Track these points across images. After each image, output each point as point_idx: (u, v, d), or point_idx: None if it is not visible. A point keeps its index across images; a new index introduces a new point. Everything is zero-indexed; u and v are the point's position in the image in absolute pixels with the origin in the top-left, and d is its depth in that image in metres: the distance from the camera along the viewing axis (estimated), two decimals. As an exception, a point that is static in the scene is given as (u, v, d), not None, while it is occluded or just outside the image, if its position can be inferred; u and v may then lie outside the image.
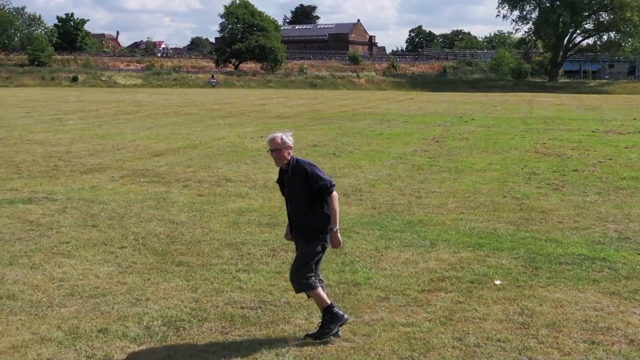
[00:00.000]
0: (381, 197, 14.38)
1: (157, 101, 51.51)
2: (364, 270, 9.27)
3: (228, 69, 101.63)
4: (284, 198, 7.26)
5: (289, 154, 6.91)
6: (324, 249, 7.00)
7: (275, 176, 7.41)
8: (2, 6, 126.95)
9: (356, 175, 17.13)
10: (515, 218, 12.45)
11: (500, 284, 8.73)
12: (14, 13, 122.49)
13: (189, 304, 7.93)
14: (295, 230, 7.08)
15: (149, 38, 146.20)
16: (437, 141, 25.12)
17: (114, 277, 8.97)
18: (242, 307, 7.82)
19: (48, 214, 12.57)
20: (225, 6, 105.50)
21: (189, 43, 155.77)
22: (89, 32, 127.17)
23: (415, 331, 7.16)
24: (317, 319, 7.40)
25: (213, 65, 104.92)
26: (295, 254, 7.19)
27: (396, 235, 11.19)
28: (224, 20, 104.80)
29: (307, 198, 6.89)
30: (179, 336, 7.02)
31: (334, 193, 6.92)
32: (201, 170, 17.72)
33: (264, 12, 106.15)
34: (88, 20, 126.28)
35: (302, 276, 6.88)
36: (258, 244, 10.57)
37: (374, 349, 6.72)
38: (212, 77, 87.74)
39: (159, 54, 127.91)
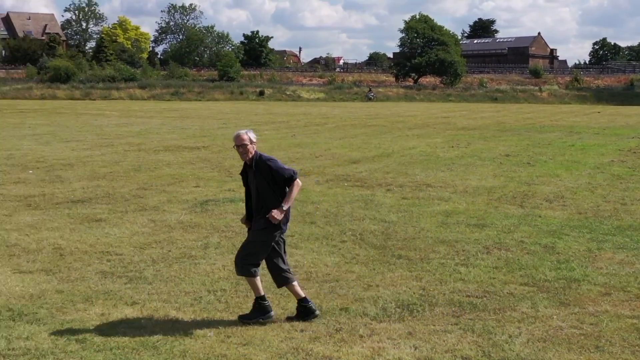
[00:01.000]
0: (585, 204, 14.44)
1: (342, 114, 52.90)
2: (580, 268, 9.52)
3: (407, 83, 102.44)
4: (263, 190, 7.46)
5: (253, 148, 7.39)
6: (279, 237, 7.47)
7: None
8: (193, 25, 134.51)
9: (555, 184, 17.18)
10: None
11: None
12: (204, 31, 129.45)
13: (417, 291, 8.51)
14: (255, 220, 7.48)
15: (328, 54, 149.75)
16: (634, 152, 24.59)
17: (342, 266, 9.70)
18: (468, 296, 8.31)
19: (267, 211, 13.55)
20: (405, 21, 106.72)
21: (367, 58, 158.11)
22: (273, 49, 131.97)
23: (643, 323, 7.39)
24: (542, 309, 7.79)
25: (393, 79, 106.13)
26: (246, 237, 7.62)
27: (607, 238, 11.32)
28: (403, 34, 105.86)
29: (272, 191, 7.39)
30: (414, 317, 7.61)
31: (297, 180, 7.40)
32: (400, 177, 18.34)
33: (443, 27, 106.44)
34: (272, 37, 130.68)
35: (248, 262, 7.38)
36: (470, 242, 11.03)
37: (603, 337, 7.02)
38: (370, 90, 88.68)
39: (338, 69, 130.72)
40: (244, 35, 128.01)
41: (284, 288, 7.76)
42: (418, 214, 13.36)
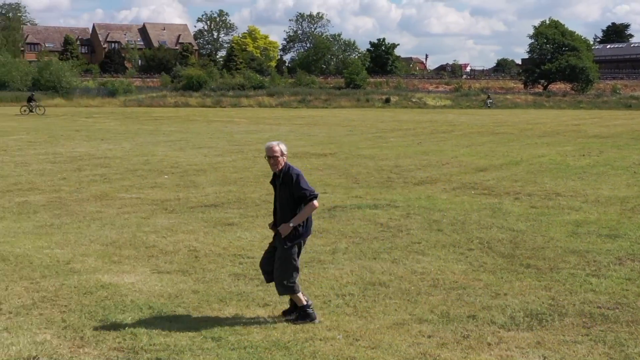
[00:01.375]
0: None
1: (469, 121, 52.38)
2: None
3: (536, 90, 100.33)
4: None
5: (283, 160, 7.72)
6: (299, 249, 7.81)
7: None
8: (320, 33, 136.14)
9: (693, 194, 16.57)
10: None
11: None
12: (331, 39, 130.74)
13: (546, 300, 8.44)
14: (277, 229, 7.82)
15: (454, 61, 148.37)
16: None
17: (469, 274, 9.71)
18: (599, 307, 8.17)
19: (394, 218, 13.69)
20: (534, 26, 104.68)
21: (494, 65, 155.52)
22: (399, 56, 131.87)
23: None
24: (678, 322, 7.59)
25: (521, 86, 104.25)
26: (273, 249, 7.89)
27: None
28: (532, 40, 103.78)
29: (291, 202, 7.68)
30: (543, 326, 7.55)
31: (314, 202, 7.66)
32: (528, 185, 18.08)
33: (574, 32, 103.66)
34: (398, 44, 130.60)
35: (287, 280, 7.69)
36: (602, 253, 10.80)
37: None
38: (488, 97, 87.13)
39: (465, 76, 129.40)
40: (370, 42, 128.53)
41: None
42: (547, 223, 13.17)
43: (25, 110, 58.04)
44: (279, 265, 7.75)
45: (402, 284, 9.16)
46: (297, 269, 7.79)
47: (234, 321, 7.70)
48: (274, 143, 7.75)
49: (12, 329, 7.39)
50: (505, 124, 48.18)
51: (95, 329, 7.44)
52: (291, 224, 7.65)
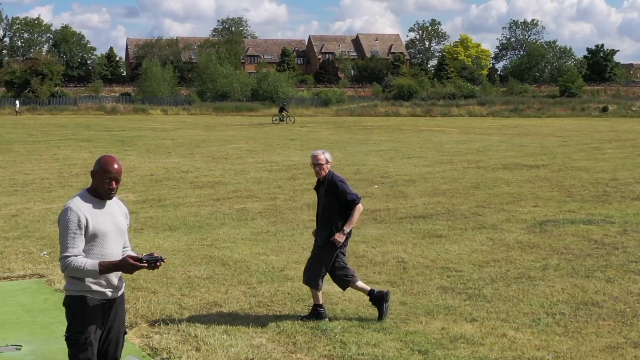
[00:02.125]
0: None
1: (695, 131, 49.11)
2: None
3: None
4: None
5: (328, 167, 8.33)
6: (338, 251, 8.31)
7: None
8: (534, 40, 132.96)
9: None
10: None
11: None
12: (545, 46, 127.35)
13: None
14: (319, 232, 8.42)
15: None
16: None
17: (691, 297, 9.17)
18: None
19: (610, 235, 13.15)
20: None
21: None
22: (618, 63, 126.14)
23: None
24: None
25: None
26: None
27: None
28: None
29: (337, 208, 8.24)
30: None
31: (359, 205, 8.23)
32: None
33: None
34: (618, 50, 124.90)
35: (314, 273, 8.29)
36: None
37: None
38: None
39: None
40: (587, 49, 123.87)
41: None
42: None
43: (276, 120, 61.31)
44: (313, 261, 8.40)
45: (617, 305, 8.81)
46: (325, 272, 8.35)
47: (441, 335, 7.75)
48: (319, 152, 8.40)
49: (230, 332, 7.86)
50: None
51: (307, 335, 7.75)
52: (346, 229, 8.24)
